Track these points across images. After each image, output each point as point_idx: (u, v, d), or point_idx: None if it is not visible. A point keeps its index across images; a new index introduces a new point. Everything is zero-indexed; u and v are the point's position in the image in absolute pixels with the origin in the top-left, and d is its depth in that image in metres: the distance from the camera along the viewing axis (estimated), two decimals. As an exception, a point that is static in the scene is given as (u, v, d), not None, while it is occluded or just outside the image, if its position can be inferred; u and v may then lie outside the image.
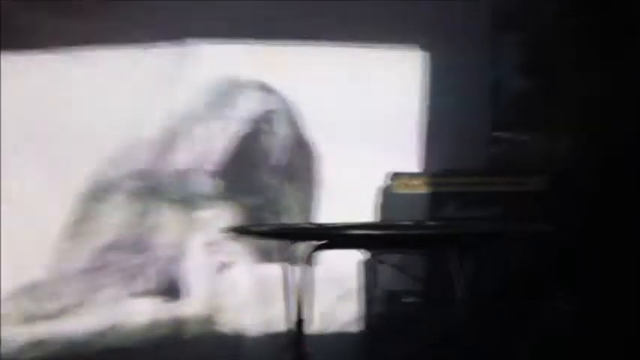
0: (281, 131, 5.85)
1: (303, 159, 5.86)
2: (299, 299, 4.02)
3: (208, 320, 5.78)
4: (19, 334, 5.42)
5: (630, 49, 4.72)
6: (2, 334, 5.39)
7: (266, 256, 5.77)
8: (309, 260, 3.93)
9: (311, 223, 5.16)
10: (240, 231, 5.19)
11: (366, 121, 5.60)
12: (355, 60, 5.70)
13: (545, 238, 4.40)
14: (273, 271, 5.23)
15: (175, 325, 5.67)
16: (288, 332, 4.11)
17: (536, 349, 4.49)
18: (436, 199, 5.10)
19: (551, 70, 5.19)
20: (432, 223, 4.84)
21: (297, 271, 4.08)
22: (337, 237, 4.27)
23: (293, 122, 5.85)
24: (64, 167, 5.54)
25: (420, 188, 5.13)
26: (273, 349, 5.36)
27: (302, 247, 4.08)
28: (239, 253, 5.82)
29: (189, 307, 5.78)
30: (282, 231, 4.65)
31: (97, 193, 5.66)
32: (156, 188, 5.78)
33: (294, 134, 5.85)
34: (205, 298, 5.80)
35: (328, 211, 5.51)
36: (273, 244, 5.39)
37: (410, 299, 5.01)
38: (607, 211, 4.63)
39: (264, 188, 5.84)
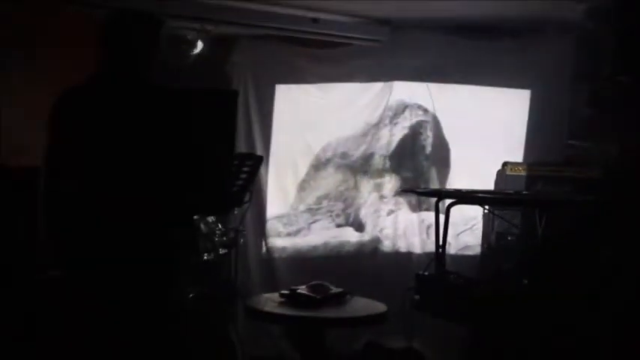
0: (428, 133, 6.13)
1: (441, 151, 6.14)
2: (442, 232, 4.36)
3: (380, 243, 6.13)
4: (273, 242, 5.97)
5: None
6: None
7: (415, 207, 6.15)
8: (448, 210, 4.28)
9: (451, 189, 5.25)
10: (409, 191, 5.59)
11: (491, 132, 5.87)
12: (484, 94, 5.98)
13: (594, 205, 4.61)
14: (422, 216, 6.06)
15: (359, 245, 6.07)
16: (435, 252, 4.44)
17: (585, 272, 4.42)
18: (531, 179, 5.22)
19: (604, 105, 5.27)
20: (525, 192, 5.03)
21: (441, 216, 4.39)
22: (467, 197, 4.66)
23: (436, 128, 6.11)
24: (304, 150, 6.03)
25: (522, 172, 5.27)
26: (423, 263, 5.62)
27: (445, 202, 4.43)
28: (401, 204, 6.16)
29: (369, 235, 6.13)
30: (433, 191, 4.94)
31: (320, 165, 6.06)
32: (353, 164, 6.12)
33: (436, 135, 6.11)
34: (378, 230, 6.15)
35: (462, 184, 5.57)
36: (426, 200, 5.94)
37: (510, 236, 5.17)
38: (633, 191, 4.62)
39: (417, 167, 6.14)
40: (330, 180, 6.08)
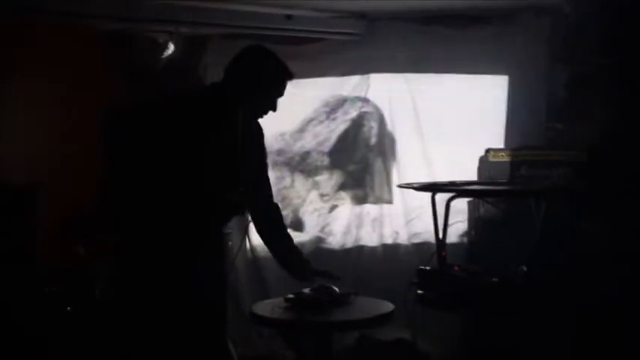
0: (372, 125, 5.87)
1: (386, 142, 5.88)
2: (442, 225, 4.08)
3: (320, 242, 5.84)
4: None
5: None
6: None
7: (360, 200, 5.85)
8: (448, 204, 4.00)
9: (446, 181, 4.81)
10: (405, 186, 5.07)
11: (472, 119, 5.65)
12: (462, 82, 5.74)
13: (578, 189, 4.55)
14: (365, 210, 5.80)
15: (300, 245, 5.62)
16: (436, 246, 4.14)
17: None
18: (514, 164, 5.03)
19: (582, 87, 5.18)
20: (518, 181, 4.92)
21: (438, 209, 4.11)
22: (462, 190, 4.35)
23: (380, 119, 5.86)
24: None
25: (505, 158, 5.06)
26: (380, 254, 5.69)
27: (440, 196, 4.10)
28: (343, 199, 5.89)
29: (309, 234, 5.83)
30: (429, 185, 4.53)
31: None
32: (290, 161, 5.89)
33: (380, 126, 5.86)
34: (320, 228, 5.85)
35: (444, 172, 5.37)
36: (371, 192, 5.79)
37: (502, 224, 4.92)
38: (615, 171, 4.52)
39: (361, 159, 5.85)
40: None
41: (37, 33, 4.93)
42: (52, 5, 4.86)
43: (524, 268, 4.10)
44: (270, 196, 3.90)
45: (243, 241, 5.37)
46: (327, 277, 4.05)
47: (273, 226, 3.97)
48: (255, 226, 3.98)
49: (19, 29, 4.81)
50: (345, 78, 5.78)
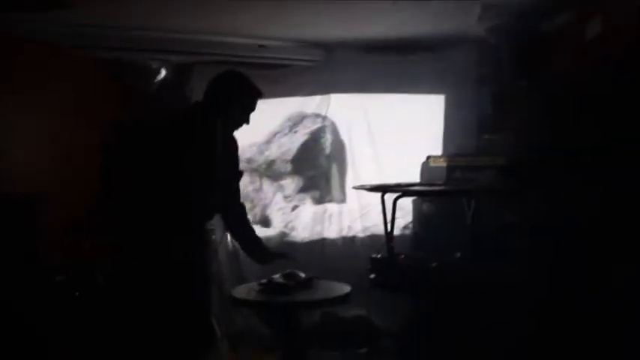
0: (327, 137, 6.27)
1: (339, 151, 6.29)
2: (389, 222, 4.45)
3: (285, 236, 6.17)
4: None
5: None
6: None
7: (319, 200, 6.24)
8: (394, 203, 4.39)
9: (393, 183, 5.04)
10: (358, 188, 5.30)
11: (415, 131, 6.07)
12: (406, 101, 6.20)
13: (501, 188, 4.79)
14: (322, 208, 6.14)
15: (266, 239, 5.55)
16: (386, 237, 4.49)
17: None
18: (450, 169, 5.33)
19: (505, 104, 5.56)
20: (453, 183, 5.18)
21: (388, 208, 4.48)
22: (407, 191, 4.73)
23: (334, 132, 6.25)
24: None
25: (443, 163, 5.37)
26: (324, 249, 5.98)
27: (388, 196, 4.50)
28: (304, 199, 6.27)
29: (275, 229, 6.17)
30: (380, 187, 4.82)
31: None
32: (258, 167, 6.26)
33: (334, 138, 6.27)
34: (284, 224, 6.20)
35: (392, 176, 5.53)
36: (328, 193, 6.20)
37: (440, 218, 5.30)
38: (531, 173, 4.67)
39: (318, 166, 6.28)
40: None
41: (39, 50, 5.11)
42: (61, 36, 5.21)
43: (458, 255, 4.61)
44: (239, 197, 4.22)
45: (224, 235, 5.83)
46: (285, 258, 4.43)
47: (241, 221, 4.28)
48: (225, 222, 4.40)
49: (21, 44, 4.97)
50: (309, 97, 6.21)
